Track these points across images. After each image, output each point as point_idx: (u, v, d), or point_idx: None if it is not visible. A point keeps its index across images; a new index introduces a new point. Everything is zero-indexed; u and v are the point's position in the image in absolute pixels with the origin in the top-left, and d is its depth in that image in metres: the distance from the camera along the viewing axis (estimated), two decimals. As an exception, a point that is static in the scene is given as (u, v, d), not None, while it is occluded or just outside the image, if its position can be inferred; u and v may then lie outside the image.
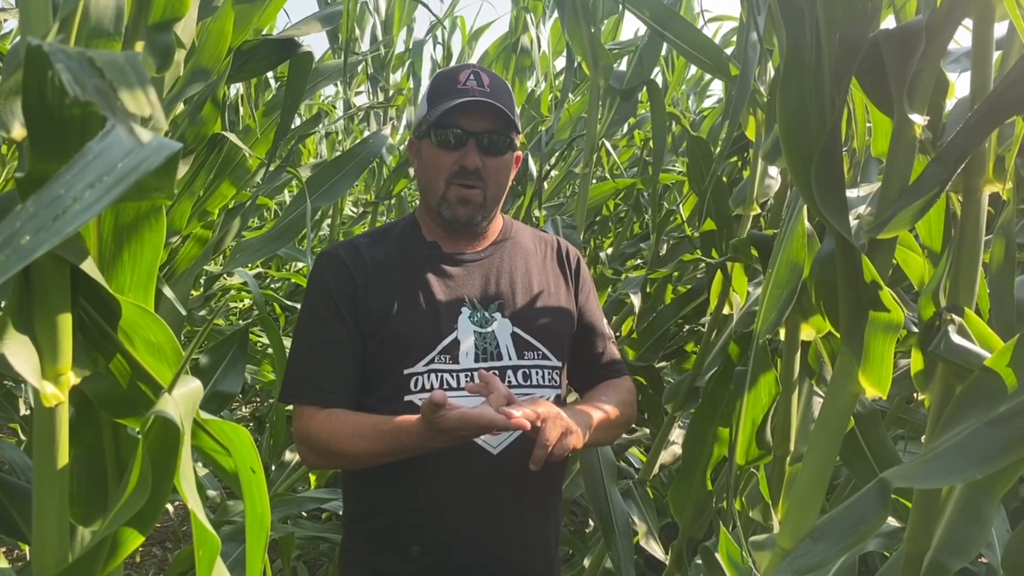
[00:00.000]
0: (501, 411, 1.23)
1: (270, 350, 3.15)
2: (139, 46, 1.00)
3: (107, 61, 0.42)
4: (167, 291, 1.33)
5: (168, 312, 1.48)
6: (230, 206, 2.09)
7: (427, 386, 1.42)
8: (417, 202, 1.82)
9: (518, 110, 3.57)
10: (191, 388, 0.76)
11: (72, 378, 0.74)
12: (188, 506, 0.72)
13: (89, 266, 0.71)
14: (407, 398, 1.43)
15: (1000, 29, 1.08)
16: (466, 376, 1.43)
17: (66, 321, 0.72)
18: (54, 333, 0.71)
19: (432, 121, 1.47)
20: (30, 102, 0.51)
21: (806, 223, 1.10)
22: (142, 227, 0.74)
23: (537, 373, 1.49)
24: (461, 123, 1.46)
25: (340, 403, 1.43)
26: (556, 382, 1.52)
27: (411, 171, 4.12)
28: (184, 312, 1.44)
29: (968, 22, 1.01)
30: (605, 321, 1.70)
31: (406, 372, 1.43)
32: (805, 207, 1.10)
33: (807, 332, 1.30)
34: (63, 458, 0.74)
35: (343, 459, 1.43)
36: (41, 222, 0.44)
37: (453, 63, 4.67)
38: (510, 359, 1.47)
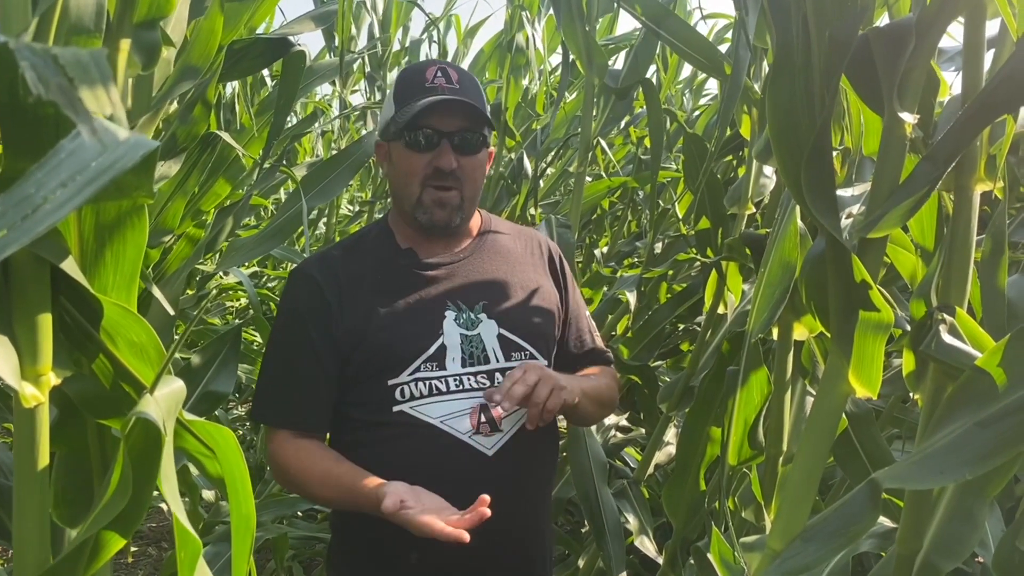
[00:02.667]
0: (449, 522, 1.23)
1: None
2: (125, 44, 1.00)
3: (71, 59, 0.42)
4: (156, 292, 1.32)
5: (159, 313, 1.47)
6: (226, 204, 2.08)
7: (415, 393, 1.40)
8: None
9: (508, 108, 3.57)
10: (174, 389, 0.75)
11: (53, 379, 0.73)
12: (171, 509, 0.72)
13: (69, 265, 0.70)
14: (396, 408, 1.41)
15: (993, 27, 1.08)
16: (455, 381, 1.42)
17: (46, 321, 0.71)
18: (34, 333, 0.70)
19: (403, 122, 1.42)
20: (1, 100, 0.51)
21: (799, 222, 1.10)
22: (124, 226, 0.74)
23: None
24: (433, 123, 1.42)
25: (311, 426, 1.45)
26: None
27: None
28: (173, 313, 1.43)
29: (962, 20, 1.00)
30: (588, 313, 1.69)
31: (391, 383, 1.41)
32: (798, 206, 1.10)
33: (800, 332, 1.30)
34: (43, 460, 0.74)
35: (311, 499, 1.48)
36: (9, 221, 0.44)
37: (448, 61, 4.66)
38: (497, 361, 1.45)
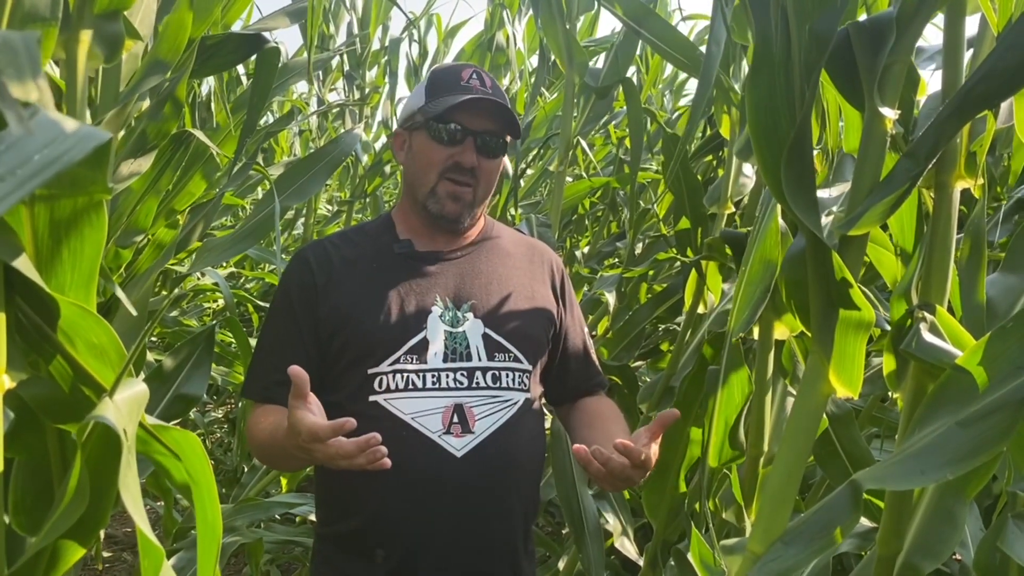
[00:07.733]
0: None
1: (242, 351, 3.09)
2: (85, 35, 0.96)
3: (1, 41, 0.39)
4: (120, 294, 1.29)
5: (127, 315, 1.43)
6: (201, 203, 2.04)
7: (392, 386, 1.40)
8: (392, 203, 1.80)
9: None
10: (136, 392, 0.72)
11: (7, 382, 0.70)
12: (133, 517, 0.69)
13: (23, 264, 0.67)
14: (372, 398, 1.40)
15: (973, 24, 1.07)
16: (432, 376, 1.40)
17: (-1, 322, 0.68)
18: (-15, 335, 0.67)
19: (432, 114, 1.45)
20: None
21: (780, 220, 1.09)
22: (82, 223, 0.71)
23: (507, 375, 1.46)
24: (462, 120, 1.45)
25: (282, 399, 1.41)
26: (525, 385, 1.49)
27: (387, 169, 4.08)
28: (136, 314, 1.40)
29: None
30: (587, 331, 1.70)
31: (370, 372, 1.41)
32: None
33: (781, 331, 1.29)
34: (-4, 466, 0.70)
35: (258, 454, 1.50)
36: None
37: (428, 60, 4.63)
38: (480, 360, 1.44)
